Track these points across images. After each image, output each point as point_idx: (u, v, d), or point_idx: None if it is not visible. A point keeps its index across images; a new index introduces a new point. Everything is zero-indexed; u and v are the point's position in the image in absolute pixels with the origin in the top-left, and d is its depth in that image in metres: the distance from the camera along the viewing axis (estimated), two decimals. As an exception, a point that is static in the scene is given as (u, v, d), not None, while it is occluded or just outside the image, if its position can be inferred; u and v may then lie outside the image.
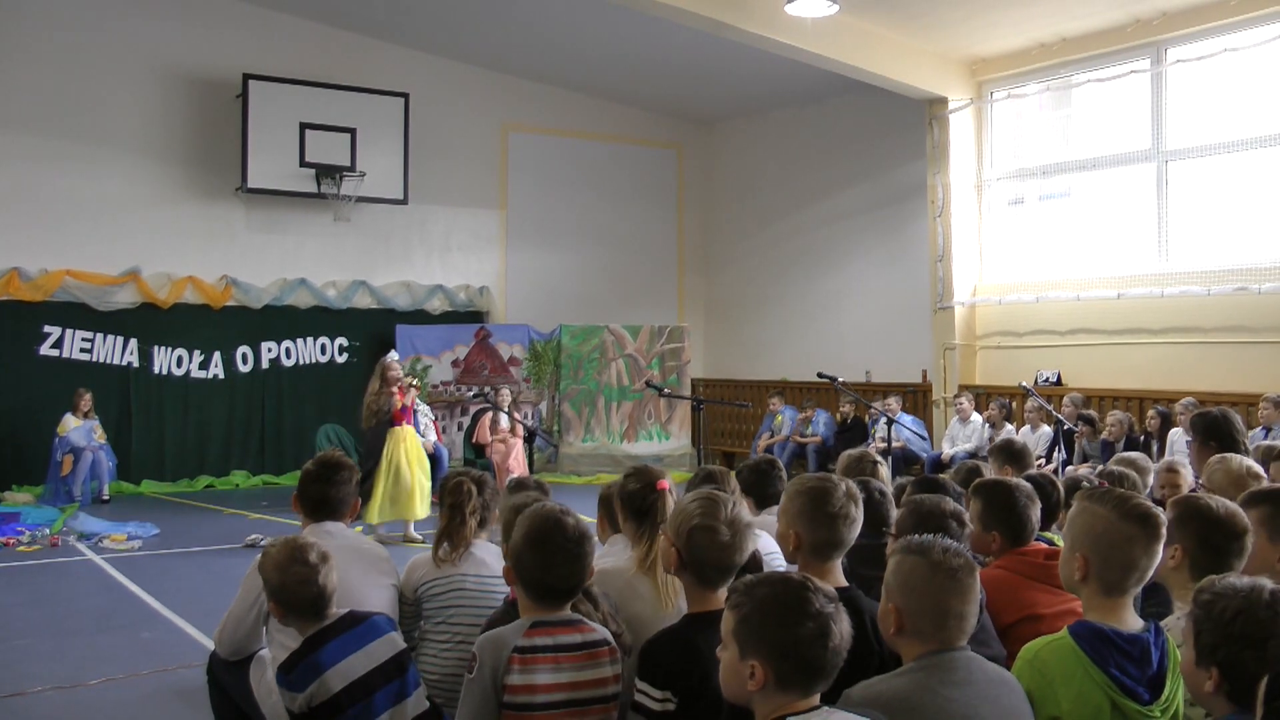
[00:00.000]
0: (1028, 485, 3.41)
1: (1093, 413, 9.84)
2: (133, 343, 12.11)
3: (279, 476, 12.61)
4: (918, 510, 3.18)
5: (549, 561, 2.60)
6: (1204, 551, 2.72)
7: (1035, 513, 3.29)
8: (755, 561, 3.25)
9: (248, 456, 12.67)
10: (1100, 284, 10.74)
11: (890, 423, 8.50)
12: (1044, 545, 3.26)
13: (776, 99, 14.31)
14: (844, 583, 2.82)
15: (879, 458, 4.44)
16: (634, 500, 3.25)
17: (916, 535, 2.41)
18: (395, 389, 8.85)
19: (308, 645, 2.86)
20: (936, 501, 3.22)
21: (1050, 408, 9.33)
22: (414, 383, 11.64)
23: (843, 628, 2.04)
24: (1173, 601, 2.83)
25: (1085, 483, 3.92)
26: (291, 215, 12.91)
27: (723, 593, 2.57)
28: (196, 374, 12.44)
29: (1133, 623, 2.45)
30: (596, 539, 2.99)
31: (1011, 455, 5.16)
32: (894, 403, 11.58)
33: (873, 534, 3.34)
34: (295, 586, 2.88)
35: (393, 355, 9.38)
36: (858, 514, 2.84)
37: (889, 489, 3.89)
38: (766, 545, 3.32)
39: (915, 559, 2.30)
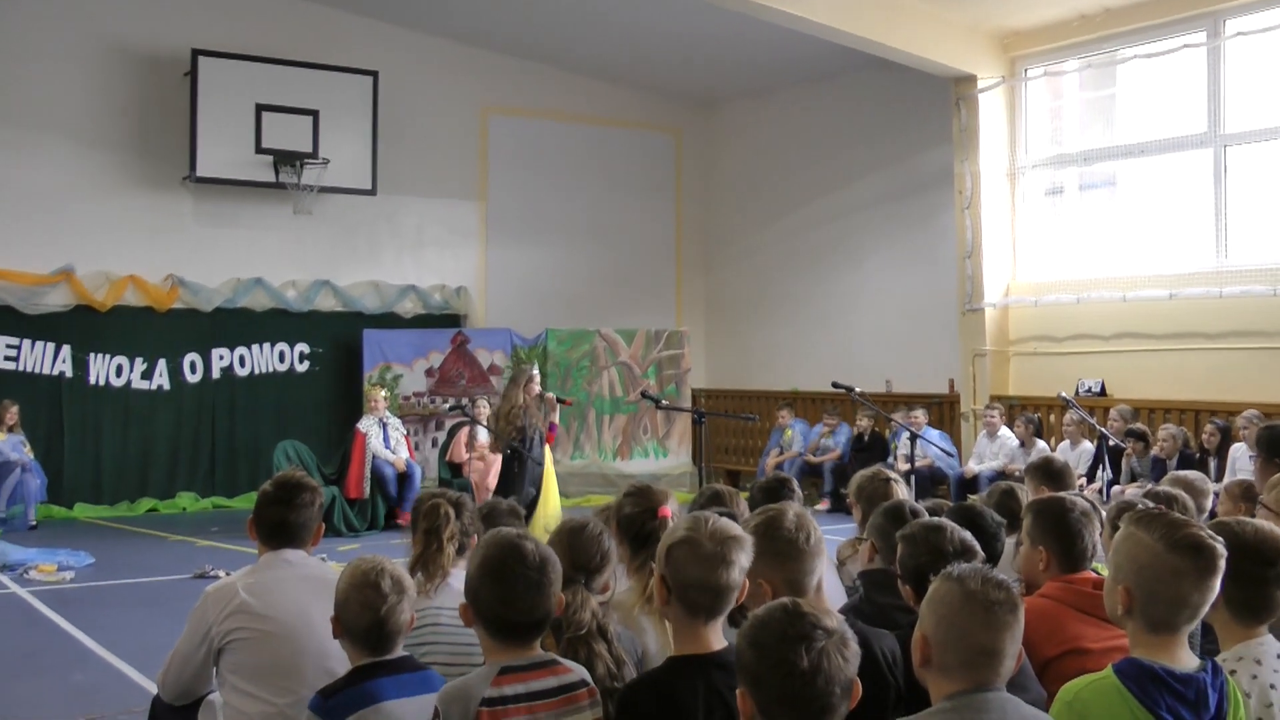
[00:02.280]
0: (1084, 502, 3.41)
1: (1143, 427, 9.84)
2: (66, 350, 12.07)
3: (231, 499, 12.56)
4: (912, 542, 3.17)
5: (508, 594, 2.57)
6: (1237, 585, 2.66)
7: (1091, 532, 3.29)
8: None
9: (196, 477, 12.63)
10: (1150, 283, 10.75)
11: (914, 438, 8.47)
12: (1092, 574, 3.26)
13: (785, 77, 14.32)
14: (836, 615, 2.82)
15: (894, 475, 4.45)
16: (631, 525, 3.27)
17: (959, 563, 2.40)
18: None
19: (357, 674, 2.87)
20: (936, 536, 3.19)
21: (1093, 421, 9.32)
22: (384, 394, 11.68)
23: (828, 662, 2.03)
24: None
25: (1138, 505, 3.91)
26: (246, 207, 12.88)
27: (714, 629, 2.56)
28: (138, 384, 12.40)
29: (1187, 660, 2.42)
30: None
31: (1050, 475, 5.14)
32: (919, 415, 11.57)
33: (891, 560, 3.37)
34: (356, 609, 2.90)
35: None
36: (817, 532, 2.87)
37: (919, 505, 3.89)
38: None
39: (949, 586, 2.29)
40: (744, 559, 2.60)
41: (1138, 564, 2.42)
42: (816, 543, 2.89)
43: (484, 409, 11.25)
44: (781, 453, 13.06)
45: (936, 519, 3.39)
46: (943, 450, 11.16)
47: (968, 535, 3.22)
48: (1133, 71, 11.20)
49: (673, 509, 3.35)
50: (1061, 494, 3.57)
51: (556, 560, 2.67)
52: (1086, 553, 3.29)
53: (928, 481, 11.14)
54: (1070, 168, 11.72)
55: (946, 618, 2.27)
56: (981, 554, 3.19)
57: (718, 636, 2.59)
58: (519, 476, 8.39)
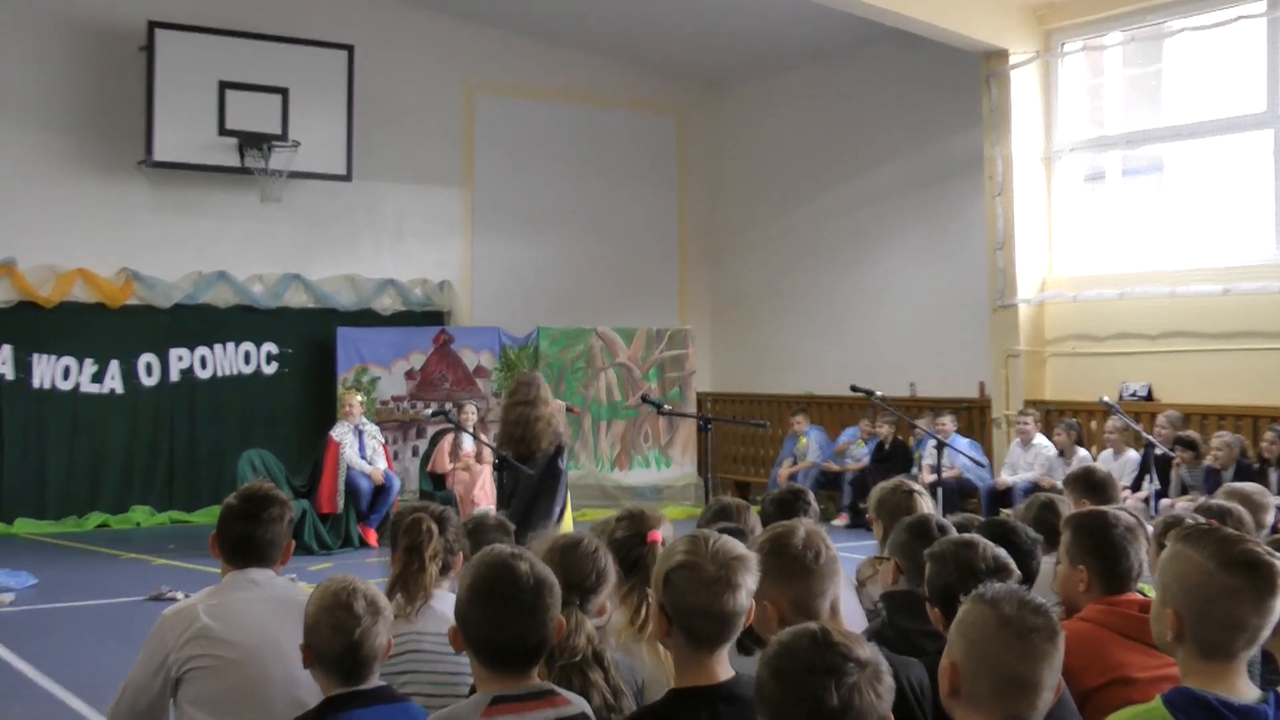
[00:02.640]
0: (1128, 516, 3.40)
1: (1194, 434, 9.82)
2: (7, 350, 12.07)
3: (191, 514, 12.56)
4: (940, 560, 3.18)
5: (500, 618, 2.57)
6: None
7: (1136, 550, 3.28)
8: None
9: (152, 489, 12.61)
10: (1201, 277, 10.74)
11: (941, 446, 8.46)
12: (1138, 596, 3.24)
13: (797, 54, 14.32)
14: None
15: (917, 487, 4.46)
16: (620, 550, 3.28)
17: (992, 582, 2.39)
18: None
19: (329, 705, 2.87)
20: (967, 553, 3.20)
21: (1138, 428, 9.30)
22: (360, 399, 11.67)
23: (860, 698, 2.03)
24: None
25: (1187, 520, 3.90)
26: (208, 194, 12.88)
27: (720, 659, 2.56)
28: (88, 388, 12.38)
29: (1245, 690, 2.41)
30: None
31: (1091, 486, 5.14)
32: (947, 422, 11.56)
33: (917, 580, 3.38)
34: (326, 633, 2.89)
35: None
36: (831, 550, 2.91)
37: (946, 521, 3.89)
38: None
39: (982, 610, 2.29)
40: (750, 581, 2.61)
41: (1187, 584, 2.40)
42: (828, 562, 2.90)
43: (471, 415, 11.24)
44: (795, 462, 13.05)
45: (967, 535, 3.38)
46: (972, 460, 11.15)
47: (1002, 552, 3.22)
48: (1182, 45, 11.19)
49: (665, 534, 3.36)
50: (1104, 508, 3.56)
51: (554, 581, 2.65)
52: (1131, 572, 3.29)
53: (956, 494, 11.13)
54: (1112, 151, 11.71)
55: (978, 644, 2.26)
56: (1017, 573, 3.19)
57: (724, 666, 2.59)
58: (511, 488, 8.38)
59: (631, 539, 3.33)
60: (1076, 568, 3.31)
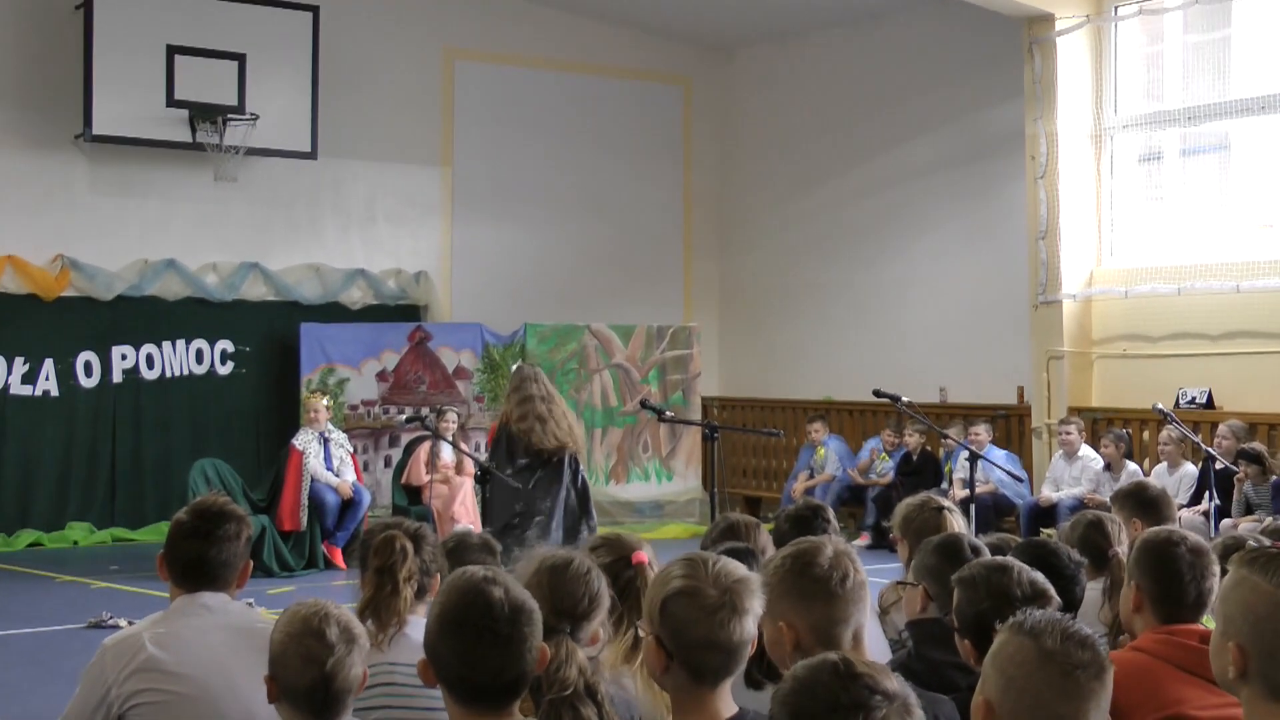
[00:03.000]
0: (1195, 538, 3.41)
1: (1259, 446, 9.82)
2: (-71, 347, 12.10)
3: (136, 531, 12.54)
4: (971, 586, 3.19)
5: (471, 651, 2.57)
6: None
7: (1202, 576, 3.30)
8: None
9: (92, 503, 12.60)
10: (1270, 270, 10.74)
11: (974, 459, 8.45)
12: (1199, 626, 3.26)
13: (819, 17, 14.31)
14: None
15: (947, 504, 4.48)
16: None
17: (1030, 610, 2.39)
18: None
19: None
20: (1000, 577, 3.21)
21: (1197, 439, 9.30)
22: (326, 403, 11.66)
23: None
24: None
25: (1251, 542, 3.91)
26: (155, 173, 12.87)
27: (723, 694, 2.57)
28: (18, 389, 12.37)
29: (1317, 737, 2.42)
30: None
31: (1143, 504, 5.15)
32: (982, 432, 11.56)
33: (947, 607, 3.41)
34: (295, 664, 2.88)
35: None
36: (858, 572, 2.93)
37: (979, 541, 3.91)
38: None
39: (1022, 641, 2.30)
40: (757, 605, 2.62)
41: (1253, 616, 2.38)
42: (855, 587, 2.92)
43: (451, 422, 11.23)
44: (812, 475, 13.05)
45: (1001, 557, 3.39)
46: (1009, 474, 11.14)
47: (1039, 577, 3.23)
48: (1251, 9, 11.19)
49: (648, 555, 3.39)
50: (1172, 529, 3.57)
51: (534, 608, 2.65)
52: (1188, 600, 3.29)
53: (991, 512, 11.13)
54: (1171, 128, 11.71)
55: (1016, 681, 2.27)
56: (1057, 600, 3.20)
57: (727, 702, 2.60)
58: (497, 502, 8.41)
59: (615, 564, 3.34)
60: (1131, 584, 3.34)
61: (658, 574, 2.75)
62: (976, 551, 3.75)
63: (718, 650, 2.55)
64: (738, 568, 2.66)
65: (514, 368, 9.84)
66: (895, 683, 2.10)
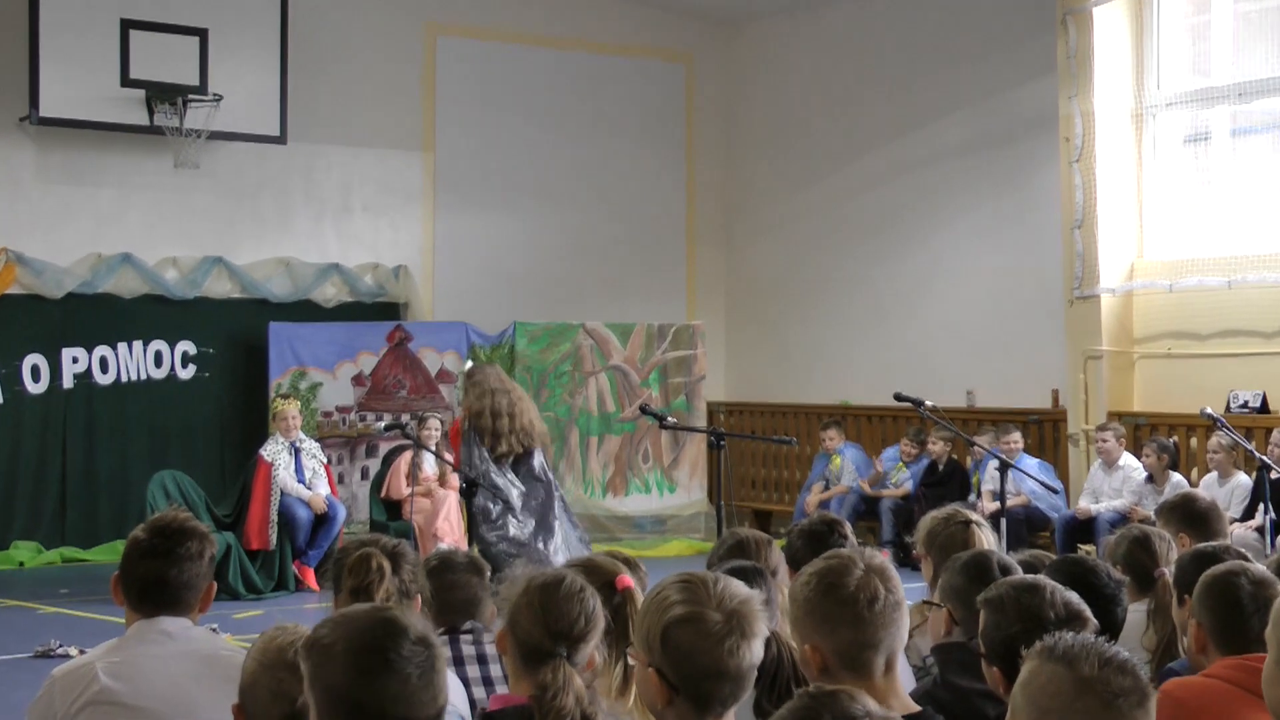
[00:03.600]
0: (1259, 569, 3.42)
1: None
2: None
3: (88, 550, 12.53)
4: (999, 607, 3.20)
5: (376, 688, 2.48)
6: None
7: (1267, 608, 3.29)
8: (794, 666, 3.26)
9: (39, 521, 12.59)
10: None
11: (1005, 468, 8.44)
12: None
13: (834, -13, 14.34)
14: (911, 704, 2.87)
15: (975, 517, 4.50)
16: None
17: (1063, 634, 2.38)
18: None
19: None
20: (1031, 598, 3.21)
21: (1250, 446, 9.30)
22: (297, 410, 11.64)
23: None
24: None
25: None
26: (109, 159, 12.87)
27: None
28: (-40, 397, 12.39)
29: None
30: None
31: (1191, 518, 5.16)
32: (1015, 439, 11.55)
33: (975, 630, 3.42)
34: (265, 697, 2.89)
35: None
36: (895, 593, 2.95)
37: (1010, 559, 3.91)
38: None
39: (1055, 669, 2.30)
40: (765, 626, 2.65)
41: None
42: (886, 609, 2.93)
43: (432, 430, 11.22)
44: (828, 486, 13.02)
45: (1031, 576, 3.39)
46: (1044, 485, 11.12)
47: (1074, 597, 3.25)
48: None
49: (633, 580, 3.42)
50: (1212, 543, 3.58)
51: (436, 643, 2.59)
52: (1253, 632, 3.31)
53: (1023, 527, 11.12)
54: (1220, 106, 11.70)
55: (1052, 712, 2.27)
56: (1094, 623, 3.20)
57: None
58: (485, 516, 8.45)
59: (598, 589, 3.33)
60: (1192, 621, 3.35)
61: (651, 598, 2.75)
62: (1006, 570, 3.76)
63: (726, 679, 2.57)
64: (740, 588, 2.67)
65: (466, 367, 10.00)
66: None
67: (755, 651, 2.60)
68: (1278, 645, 2.50)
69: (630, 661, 2.85)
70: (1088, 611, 3.23)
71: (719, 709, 2.58)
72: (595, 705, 2.98)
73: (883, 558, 3.08)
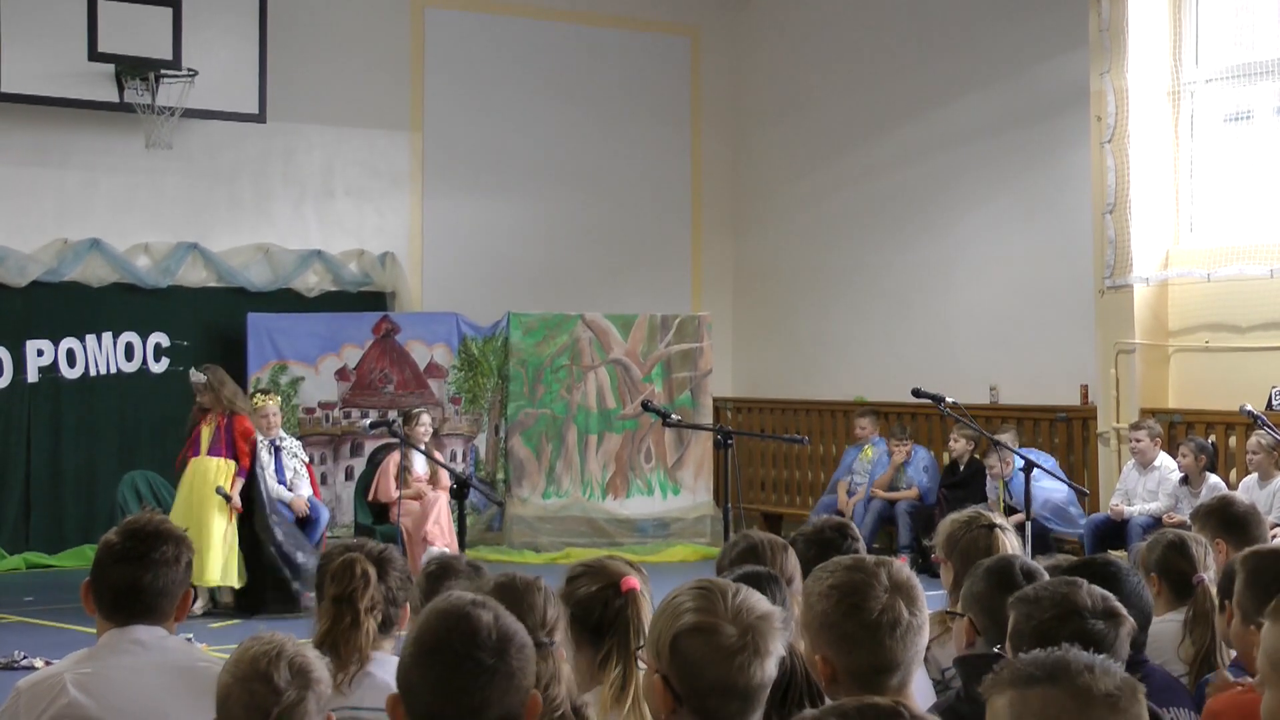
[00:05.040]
0: None
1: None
2: None
3: (54, 555, 12.55)
4: (1033, 601, 3.24)
5: (450, 684, 2.57)
6: None
7: None
8: (815, 687, 3.28)
9: (1, 524, 12.61)
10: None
11: (1030, 468, 8.47)
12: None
13: (850, -45, 14.34)
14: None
15: (999, 520, 4.51)
16: (589, 607, 3.34)
17: (1016, 660, 2.40)
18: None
19: None
20: (1069, 590, 3.25)
21: (1291, 445, 9.30)
22: (277, 406, 11.65)
23: None
24: None
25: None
26: (76, 138, 12.88)
27: None
28: (-81, 391, 12.43)
29: None
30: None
31: (1228, 523, 5.16)
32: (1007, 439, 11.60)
33: (998, 639, 3.48)
34: (239, 710, 2.91)
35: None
36: (918, 614, 2.99)
37: (1035, 564, 3.94)
38: None
39: (1045, 691, 2.29)
40: (781, 645, 2.68)
41: None
42: (906, 633, 2.97)
43: (422, 428, 11.24)
44: (852, 488, 12.93)
45: (1068, 577, 3.41)
46: (1060, 481, 11.08)
47: (1110, 595, 3.25)
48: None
49: (640, 582, 3.44)
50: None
51: (527, 641, 2.66)
52: None
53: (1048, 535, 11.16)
54: (1263, 82, 11.68)
55: None
56: (1131, 622, 3.22)
57: None
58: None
59: (602, 591, 3.39)
60: (1249, 627, 3.34)
61: (666, 603, 2.76)
62: (1031, 576, 3.76)
63: (734, 696, 2.61)
64: (760, 602, 2.69)
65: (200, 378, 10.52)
66: None
67: (768, 670, 2.63)
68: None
69: (641, 664, 2.87)
70: (1124, 611, 3.26)
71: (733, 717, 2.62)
72: (583, 700, 3.05)
73: (908, 572, 3.09)
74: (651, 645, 2.71)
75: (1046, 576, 3.87)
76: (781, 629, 2.70)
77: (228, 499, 10.13)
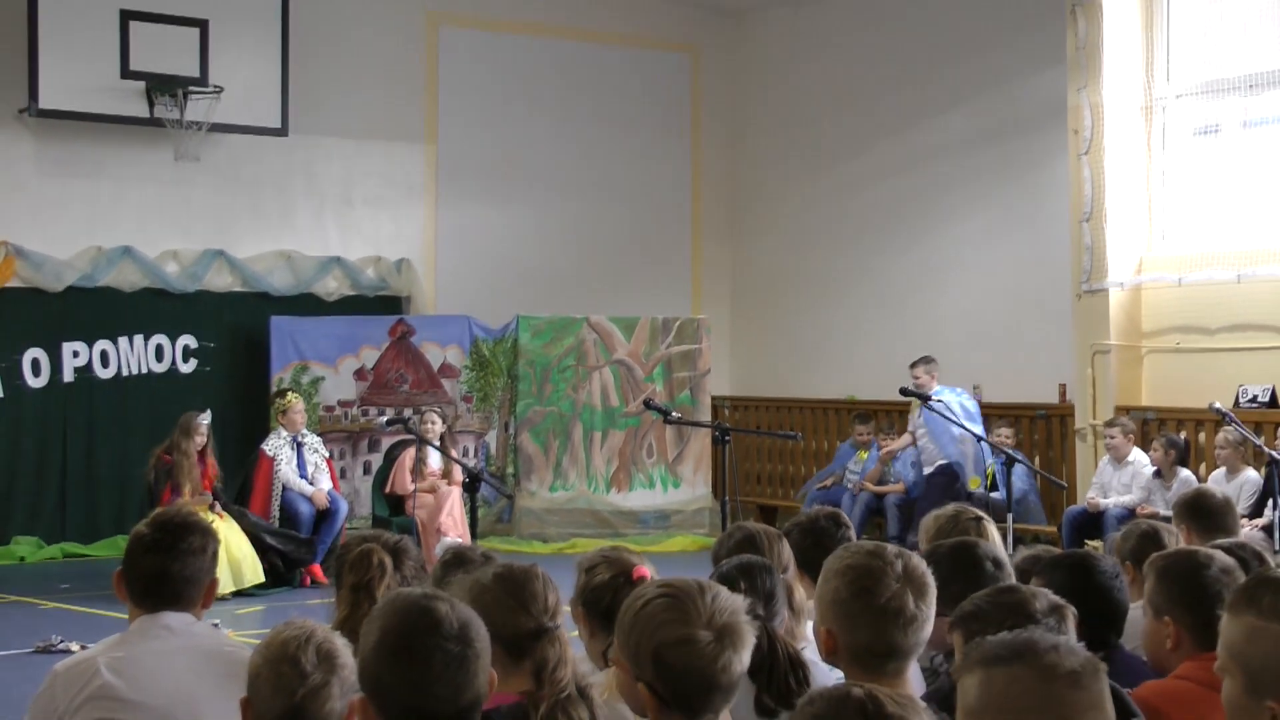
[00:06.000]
0: (1225, 558, 3.42)
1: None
2: None
3: (89, 546, 12.56)
4: (979, 616, 3.20)
5: (424, 677, 2.56)
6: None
7: None
8: (798, 662, 3.28)
9: (40, 515, 12.62)
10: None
11: (1011, 463, 8.48)
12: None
13: (841, -23, 14.33)
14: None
15: (981, 514, 4.50)
16: (601, 595, 3.39)
17: (982, 640, 2.41)
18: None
19: None
20: (1014, 593, 3.25)
21: (1259, 441, 9.29)
22: (299, 404, 11.66)
23: None
24: None
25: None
26: (109, 151, 12.88)
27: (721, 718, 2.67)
28: (-40, 390, 12.41)
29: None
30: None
31: (1202, 513, 5.16)
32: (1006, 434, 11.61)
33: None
34: (266, 690, 2.91)
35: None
36: (924, 608, 3.02)
37: (1004, 556, 3.94)
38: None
39: (1011, 671, 2.28)
40: (752, 635, 2.71)
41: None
42: (911, 625, 3.00)
43: (436, 425, 11.25)
44: (844, 480, 12.92)
45: (1006, 584, 3.41)
46: (1050, 480, 11.10)
47: (1049, 592, 3.28)
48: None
49: (650, 572, 3.45)
50: (1195, 548, 3.60)
51: (481, 625, 2.67)
52: None
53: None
54: (1230, 97, 11.68)
55: (1028, 712, 2.26)
56: (1074, 611, 3.23)
57: None
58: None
59: (613, 580, 3.40)
60: (1162, 620, 3.34)
61: (636, 609, 2.74)
62: (998, 564, 3.77)
63: (718, 692, 2.64)
64: (728, 599, 2.70)
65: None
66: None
67: (744, 661, 2.67)
68: (1243, 671, 2.49)
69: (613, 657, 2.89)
70: (1063, 601, 3.26)
71: (712, 713, 2.65)
72: (587, 680, 3.06)
73: (925, 568, 3.10)
74: (629, 653, 2.70)
75: (1008, 564, 3.89)
76: (749, 622, 2.71)
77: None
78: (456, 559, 4.02)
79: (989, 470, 11.94)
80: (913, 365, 11.94)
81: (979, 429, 11.21)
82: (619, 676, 2.78)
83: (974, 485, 11.91)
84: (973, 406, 11.83)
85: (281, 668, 2.90)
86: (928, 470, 11.82)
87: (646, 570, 3.39)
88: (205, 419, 10.93)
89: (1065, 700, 2.24)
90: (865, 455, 13.01)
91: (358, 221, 14.02)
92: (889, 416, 13.53)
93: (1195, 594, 3.34)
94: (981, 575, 3.66)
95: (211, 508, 10.35)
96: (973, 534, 4.28)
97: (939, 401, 10.73)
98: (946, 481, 11.59)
